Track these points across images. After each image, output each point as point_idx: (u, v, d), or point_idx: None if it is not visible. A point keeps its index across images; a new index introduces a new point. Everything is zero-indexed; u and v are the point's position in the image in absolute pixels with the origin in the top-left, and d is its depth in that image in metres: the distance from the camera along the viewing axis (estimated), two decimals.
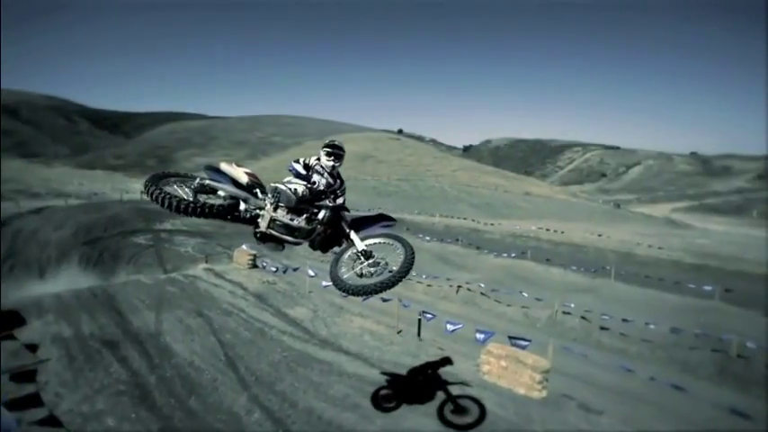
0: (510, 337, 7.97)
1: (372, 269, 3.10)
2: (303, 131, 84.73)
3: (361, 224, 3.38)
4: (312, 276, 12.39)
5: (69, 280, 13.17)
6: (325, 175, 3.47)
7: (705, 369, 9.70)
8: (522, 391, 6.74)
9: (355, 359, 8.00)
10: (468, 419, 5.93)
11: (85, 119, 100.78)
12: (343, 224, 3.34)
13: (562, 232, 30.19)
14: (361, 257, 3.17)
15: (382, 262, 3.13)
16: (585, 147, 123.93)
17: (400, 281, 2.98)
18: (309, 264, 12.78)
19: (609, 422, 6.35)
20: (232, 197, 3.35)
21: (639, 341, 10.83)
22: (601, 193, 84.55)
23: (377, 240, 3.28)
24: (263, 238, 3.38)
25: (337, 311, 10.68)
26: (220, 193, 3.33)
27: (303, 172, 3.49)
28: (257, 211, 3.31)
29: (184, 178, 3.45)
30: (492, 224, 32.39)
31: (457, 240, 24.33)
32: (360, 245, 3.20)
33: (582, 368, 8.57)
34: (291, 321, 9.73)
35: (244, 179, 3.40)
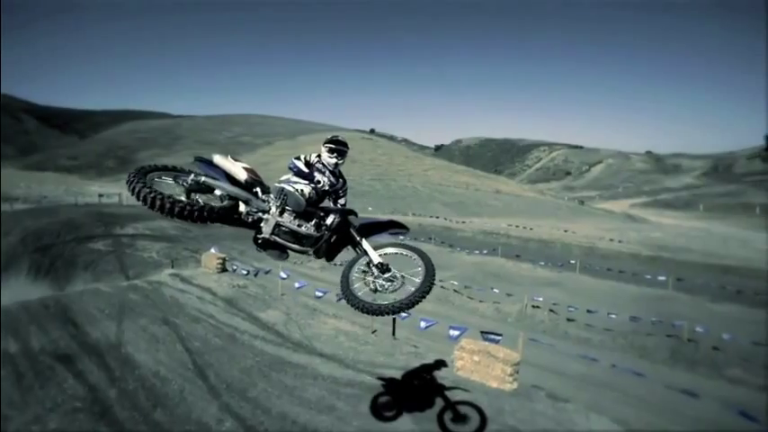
0: (482, 333, 8.16)
1: (388, 284, 2.79)
2: (273, 131, 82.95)
3: (370, 231, 3.07)
4: (284, 278, 12.15)
5: (17, 291, 12.17)
6: (327, 173, 3.19)
7: (660, 353, 10.36)
8: (494, 384, 6.92)
9: (330, 361, 7.92)
10: (467, 428, 5.85)
11: (33, 117, 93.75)
12: (353, 231, 3.01)
13: (531, 229, 31.31)
14: (375, 270, 2.85)
15: (399, 276, 2.81)
16: (551, 146, 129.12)
17: (423, 299, 2.68)
18: (281, 266, 12.49)
19: (574, 408, 6.64)
20: (231, 197, 2.93)
21: (602, 330, 11.40)
22: (566, 191, 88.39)
23: (391, 251, 2.96)
24: (265, 245, 3.01)
25: (311, 313, 10.53)
26: (217, 192, 2.90)
27: (305, 170, 3.17)
28: (260, 214, 2.93)
29: (176, 173, 2.96)
30: (464, 222, 33.08)
31: (430, 239, 24.66)
32: (375, 256, 2.87)
33: (550, 359, 8.91)
34: (264, 325, 9.49)
35: (242, 176, 3.01)
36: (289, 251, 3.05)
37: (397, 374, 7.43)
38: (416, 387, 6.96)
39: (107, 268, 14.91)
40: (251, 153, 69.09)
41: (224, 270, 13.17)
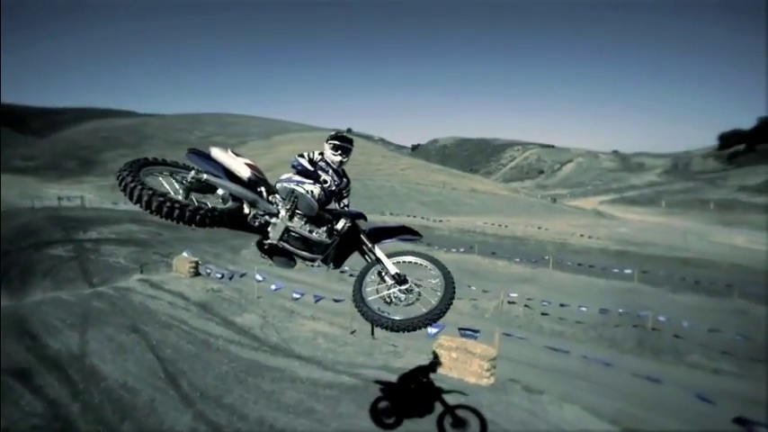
0: (460, 329, 8.29)
1: (403, 296, 2.63)
2: (247, 131, 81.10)
3: (379, 236, 2.91)
4: (260, 281, 11.89)
5: None
6: (331, 172, 3.00)
7: (627, 343, 10.86)
8: (472, 380, 7.04)
9: (308, 363, 7.82)
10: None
11: None
12: (364, 237, 2.86)
13: (506, 226, 32.08)
14: (389, 280, 2.68)
15: (416, 289, 2.66)
16: (525, 146, 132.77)
17: (444, 314, 2.52)
18: (257, 268, 12.22)
19: (548, 399, 6.86)
20: (234, 198, 2.60)
21: (574, 323, 11.83)
22: (539, 189, 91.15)
23: (405, 259, 2.80)
24: (271, 252, 2.78)
25: (288, 316, 10.36)
26: (220, 191, 2.58)
27: (311, 168, 2.95)
28: (266, 217, 2.66)
29: (173, 169, 2.63)
30: (441, 221, 33.49)
31: None
32: (391, 266, 2.71)
33: (526, 353, 9.16)
34: (239, 330, 9.25)
35: (244, 173, 2.68)
36: (296, 258, 2.82)
37: (378, 374, 7.42)
38: (414, 390, 6.90)
39: (69, 275, 14.08)
40: None
41: (197, 274, 12.74)
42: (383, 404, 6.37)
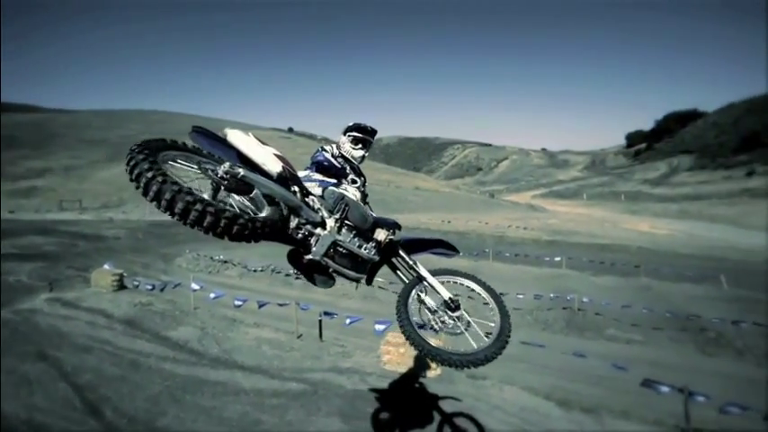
0: None
1: (452, 323, 2.32)
2: (179, 129, 74.86)
3: (412, 249, 2.56)
4: (197, 290, 11.07)
5: None
6: (349, 169, 2.57)
7: (558, 324, 11.90)
8: (420, 373, 7.22)
9: (253, 373, 7.45)
10: None
11: None
12: (402, 251, 2.50)
13: (449, 222, 33.44)
14: (433, 303, 2.35)
15: (465, 316, 2.35)
16: (464, 144, 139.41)
17: (506, 347, 2.22)
18: (193, 276, 11.38)
19: (491, 383, 7.28)
20: (271, 201, 2.01)
21: (513, 310, 12.55)
22: (478, 185, 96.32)
23: (449, 279, 2.50)
24: (310, 269, 2.30)
25: (230, 325, 9.78)
26: (255, 193, 1.96)
27: (338, 165, 2.51)
28: (308, 227, 2.18)
29: (200, 157, 2.01)
30: None
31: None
32: (443, 290, 2.38)
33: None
34: (174, 345, 8.53)
35: (274, 167, 2.07)
36: (336, 276, 2.38)
37: (326, 377, 7.30)
38: (407, 397, 6.80)
39: None
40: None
41: (122, 287, 11.50)
42: (384, 415, 6.26)
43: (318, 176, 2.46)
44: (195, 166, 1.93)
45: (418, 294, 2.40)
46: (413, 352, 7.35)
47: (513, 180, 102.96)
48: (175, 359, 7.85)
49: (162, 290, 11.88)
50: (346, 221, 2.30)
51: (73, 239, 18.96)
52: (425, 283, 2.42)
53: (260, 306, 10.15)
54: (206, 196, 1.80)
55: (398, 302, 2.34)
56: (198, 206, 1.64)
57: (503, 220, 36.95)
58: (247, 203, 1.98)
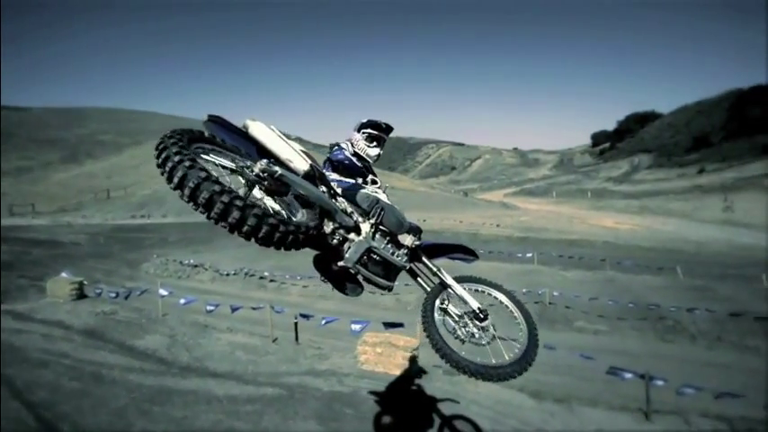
0: (384, 324, 8.47)
1: (478, 333, 2.22)
2: (144, 128, 71.68)
3: (430, 254, 2.46)
4: (165, 296, 10.64)
5: None
6: (366, 169, 2.46)
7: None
8: (397, 372, 7.26)
9: (226, 380, 7.23)
10: None
11: None
12: (425, 257, 2.39)
13: (424, 221, 33.72)
14: (457, 311, 2.23)
15: (491, 328, 2.25)
16: (438, 144, 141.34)
17: (533, 361, 2.15)
18: (161, 282, 10.92)
19: (466, 379, 7.39)
20: (305, 204, 1.86)
21: (487, 306, 13.00)
22: (452, 184, 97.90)
23: (472, 287, 2.40)
24: (339, 276, 2.18)
25: (201, 331, 9.44)
26: (289, 195, 1.81)
27: (359, 164, 2.39)
28: (342, 232, 2.03)
29: (232, 153, 1.83)
30: None
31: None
32: (471, 299, 2.27)
33: (446, 339, 9.77)
34: (141, 354, 8.13)
35: (302, 165, 1.93)
36: (364, 285, 2.25)
37: (303, 380, 7.19)
38: (407, 400, 6.74)
39: None
40: (116, 154, 58.70)
41: (81, 296, 10.84)
42: (386, 420, 6.14)
43: (335, 176, 2.33)
44: (229, 163, 1.75)
45: (441, 302, 2.30)
46: (390, 351, 7.38)
47: (486, 179, 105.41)
48: (142, 369, 7.49)
49: (127, 297, 11.32)
50: (380, 227, 2.18)
51: (25, 246, 17.69)
52: (450, 290, 2.31)
53: (233, 310, 9.87)
54: (245, 196, 1.62)
55: (424, 312, 2.20)
56: (224, 197, 1.43)
57: (476, 218, 37.75)
58: (277, 206, 1.76)
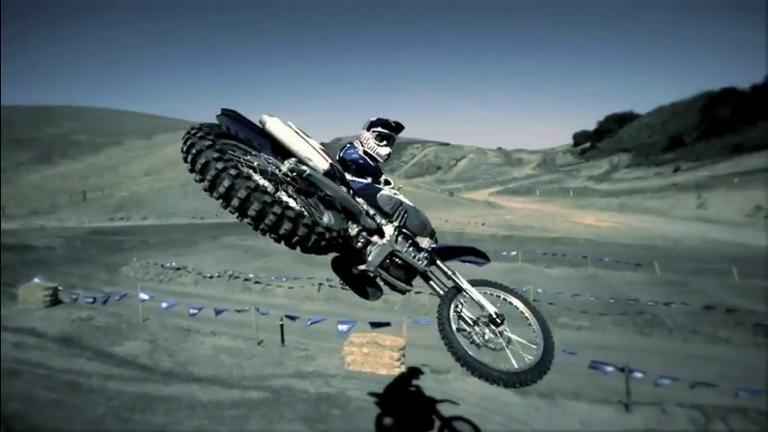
0: (371, 324, 8.45)
1: (493, 337, 2.16)
2: (122, 128, 69.66)
3: (443, 257, 2.42)
4: (146, 300, 10.35)
5: None
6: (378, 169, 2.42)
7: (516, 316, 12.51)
8: (383, 371, 7.25)
9: (210, 384, 7.08)
10: None
11: None
12: (439, 261, 2.36)
13: None
14: (471, 315, 2.20)
15: (506, 332, 2.19)
16: (424, 144, 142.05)
17: (549, 368, 2.11)
18: (142, 286, 10.62)
19: (453, 377, 7.47)
20: (329, 206, 1.80)
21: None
22: (438, 184, 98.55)
23: (487, 291, 2.35)
24: (358, 280, 2.12)
25: (184, 336, 9.23)
26: (303, 196, 1.76)
27: (372, 164, 2.35)
28: (365, 234, 1.99)
29: (254, 150, 1.79)
30: None
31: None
32: (488, 304, 2.21)
33: (433, 338, 9.77)
34: (120, 361, 7.89)
35: (322, 164, 1.84)
36: (383, 288, 2.20)
37: (289, 382, 7.11)
38: (405, 401, 6.69)
39: None
40: (93, 155, 56.80)
41: (56, 303, 10.45)
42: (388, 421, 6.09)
43: (347, 176, 2.25)
44: (254, 160, 1.66)
45: (456, 306, 2.26)
46: (376, 352, 7.37)
47: (471, 178, 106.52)
48: (122, 376, 7.26)
49: (105, 302, 10.97)
50: (404, 230, 2.15)
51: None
52: (466, 294, 2.27)
53: (217, 313, 9.68)
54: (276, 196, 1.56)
55: (441, 318, 2.13)
56: (276, 209, 1.41)
57: (462, 217, 38.12)
58: (298, 207, 1.65)
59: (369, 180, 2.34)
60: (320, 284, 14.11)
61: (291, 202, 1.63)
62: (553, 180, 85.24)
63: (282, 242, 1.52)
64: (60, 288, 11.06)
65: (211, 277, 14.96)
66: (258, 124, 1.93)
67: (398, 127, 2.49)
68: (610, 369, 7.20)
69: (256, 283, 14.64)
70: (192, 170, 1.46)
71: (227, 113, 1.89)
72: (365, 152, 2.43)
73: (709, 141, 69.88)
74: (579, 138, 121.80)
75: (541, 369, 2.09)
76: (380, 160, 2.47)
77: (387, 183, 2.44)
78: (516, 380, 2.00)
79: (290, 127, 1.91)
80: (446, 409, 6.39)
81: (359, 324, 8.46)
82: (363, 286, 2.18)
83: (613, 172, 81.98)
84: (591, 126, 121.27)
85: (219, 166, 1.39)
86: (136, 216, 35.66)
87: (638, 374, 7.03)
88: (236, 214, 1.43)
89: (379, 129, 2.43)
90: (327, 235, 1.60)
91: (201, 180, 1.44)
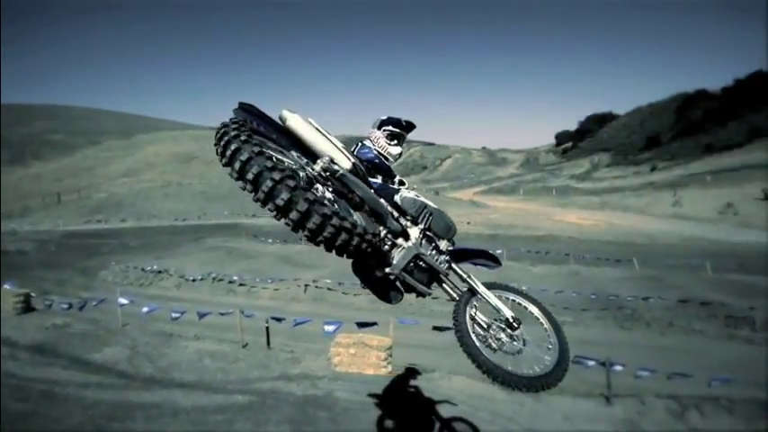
0: (357, 324, 8.43)
1: (509, 341, 2.13)
2: (100, 128, 67.51)
3: (456, 260, 2.37)
4: (125, 305, 10.05)
5: None
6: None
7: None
8: (370, 372, 7.24)
9: (193, 390, 6.92)
10: None
11: None
12: (453, 263, 2.30)
13: None
14: (485, 319, 2.16)
15: (522, 337, 2.15)
16: (409, 143, 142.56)
17: (566, 373, 2.08)
18: (121, 290, 10.31)
19: (439, 375, 7.52)
20: (357, 207, 1.77)
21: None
22: (424, 183, 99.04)
23: (502, 295, 2.31)
24: (380, 284, 2.06)
25: (166, 341, 9.00)
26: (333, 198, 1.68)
27: (387, 164, 2.33)
28: (390, 237, 1.94)
29: (283, 149, 1.71)
30: None
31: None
32: (505, 309, 2.17)
33: (419, 336, 9.83)
34: (98, 368, 7.63)
35: (345, 164, 1.76)
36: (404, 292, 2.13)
37: (275, 385, 7.02)
38: (405, 401, 6.65)
39: None
40: (68, 155, 54.82)
41: (29, 309, 10.04)
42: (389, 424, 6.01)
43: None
44: (286, 159, 1.60)
45: (470, 309, 2.22)
46: (363, 352, 7.35)
47: (456, 178, 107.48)
48: (100, 384, 7.03)
49: (82, 308, 10.59)
50: (428, 233, 2.12)
51: None
52: (480, 297, 2.23)
53: (200, 317, 9.47)
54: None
55: (457, 322, 2.09)
56: (335, 221, 1.39)
57: None
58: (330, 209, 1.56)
59: (381, 180, 2.30)
60: (306, 285, 13.99)
61: (343, 211, 1.59)
62: (536, 179, 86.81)
63: (322, 246, 1.50)
64: (33, 294, 10.64)
65: (194, 280, 14.63)
66: (278, 121, 1.84)
67: (410, 126, 2.45)
68: (591, 363, 7.37)
69: (241, 285, 14.41)
70: (238, 178, 1.39)
71: (246, 108, 1.76)
72: (377, 151, 2.39)
73: (683, 141, 72.51)
74: (561, 137, 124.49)
75: (560, 372, 2.10)
76: (392, 160, 2.43)
77: (401, 183, 2.41)
78: (538, 384, 1.99)
79: (311, 123, 1.83)
80: (435, 408, 6.44)
81: (345, 324, 8.43)
82: (386, 289, 2.13)
83: (594, 171, 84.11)
84: (572, 126, 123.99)
85: (276, 176, 1.33)
86: (114, 218, 34.60)
87: (618, 368, 7.23)
88: (291, 226, 1.41)
89: (390, 128, 2.39)
90: (373, 240, 1.58)
91: (253, 192, 1.38)
